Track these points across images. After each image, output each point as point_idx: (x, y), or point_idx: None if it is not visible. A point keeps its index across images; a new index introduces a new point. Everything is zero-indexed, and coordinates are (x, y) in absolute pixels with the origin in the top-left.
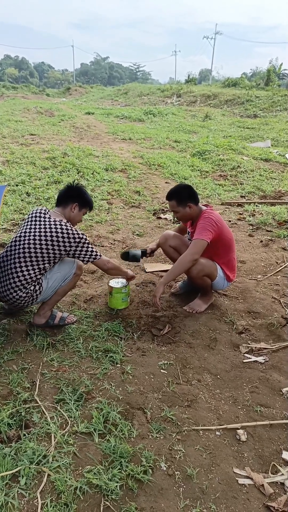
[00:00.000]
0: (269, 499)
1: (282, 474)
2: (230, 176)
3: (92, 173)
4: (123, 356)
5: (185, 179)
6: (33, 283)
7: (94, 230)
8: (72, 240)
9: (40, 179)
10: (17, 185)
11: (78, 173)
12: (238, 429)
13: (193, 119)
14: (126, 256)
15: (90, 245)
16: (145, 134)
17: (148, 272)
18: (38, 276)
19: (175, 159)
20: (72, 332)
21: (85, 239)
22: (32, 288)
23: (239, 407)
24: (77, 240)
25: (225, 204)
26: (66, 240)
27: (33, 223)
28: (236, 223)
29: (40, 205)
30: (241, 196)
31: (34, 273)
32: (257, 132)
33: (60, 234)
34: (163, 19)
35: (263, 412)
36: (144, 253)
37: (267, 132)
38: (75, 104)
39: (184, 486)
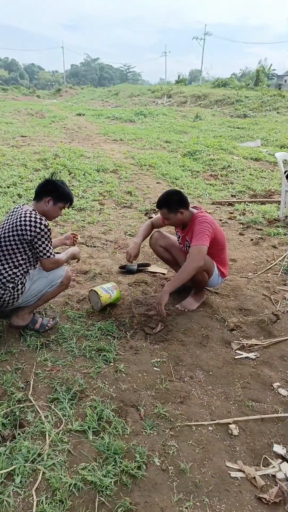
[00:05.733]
0: (261, 491)
1: (273, 466)
2: (221, 175)
3: (84, 174)
4: (116, 355)
5: (176, 179)
6: (12, 281)
7: (86, 231)
8: (33, 228)
9: (31, 180)
10: (8, 187)
11: (69, 174)
12: (230, 424)
13: (183, 120)
14: (124, 268)
15: (48, 240)
16: (136, 135)
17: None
18: (15, 271)
19: (166, 159)
20: (66, 332)
21: (46, 232)
22: (11, 286)
23: (231, 402)
24: (38, 230)
25: (216, 204)
26: (28, 226)
27: (7, 220)
28: (227, 222)
29: None
30: (232, 196)
31: (10, 268)
32: (247, 132)
33: (23, 222)
34: (152, 19)
35: (254, 407)
36: (141, 265)
37: (257, 132)
38: (66, 105)
39: (178, 481)
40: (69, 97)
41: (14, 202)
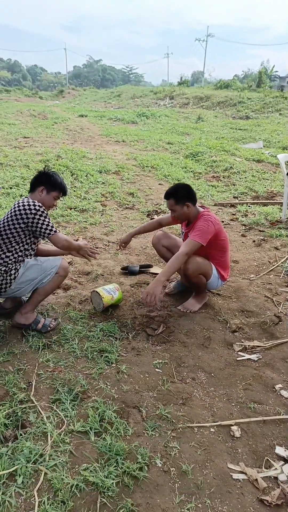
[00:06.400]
0: (263, 493)
1: (276, 468)
2: (223, 177)
3: (86, 175)
4: (118, 356)
5: (178, 180)
6: (5, 265)
7: (89, 232)
8: (28, 210)
9: None
10: (11, 188)
11: (71, 176)
12: (232, 425)
13: (186, 121)
14: (126, 269)
15: (47, 219)
16: (138, 136)
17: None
18: (8, 255)
19: (168, 160)
20: (68, 333)
21: (43, 212)
22: (3, 269)
23: (233, 404)
24: (34, 211)
25: (218, 205)
26: (23, 210)
27: (8, 211)
28: (229, 224)
29: None
30: (234, 197)
31: (3, 252)
32: (249, 133)
33: (19, 207)
34: (153, 20)
35: (256, 409)
36: (143, 266)
37: (259, 133)
38: (68, 106)
39: (179, 482)
40: (71, 98)
41: None
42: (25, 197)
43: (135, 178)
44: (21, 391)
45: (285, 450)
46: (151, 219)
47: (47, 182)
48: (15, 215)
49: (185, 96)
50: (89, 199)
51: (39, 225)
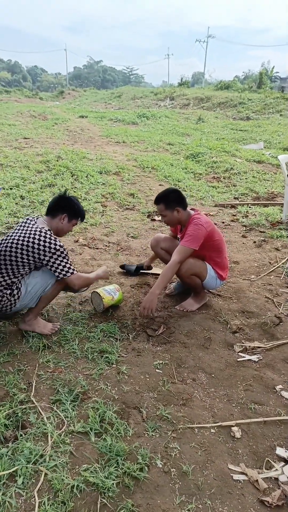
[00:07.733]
0: (264, 494)
1: (276, 469)
2: (224, 178)
3: (86, 176)
4: (118, 357)
5: (178, 181)
6: (10, 288)
7: (89, 233)
8: (47, 249)
9: (34, 182)
10: (11, 189)
11: (72, 176)
12: (232, 426)
13: (186, 122)
14: (123, 268)
15: (66, 259)
16: (138, 137)
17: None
18: (14, 280)
19: (168, 161)
20: (68, 334)
21: (62, 252)
22: (8, 292)
23: (234, 405)
24: (53, 250)
25: (218, 206)
26: (41, 247)
27: (19, 229)
28: (229, 225)
29: (35, 208)
30: (235, 198)
31: (9, 277)
32: (250, 134)
33: (37, 241)
34: (153, 21)
35: (257, 410)
36: (141, 267)
37: (259, 134)
38: (69, 107)
39: (180, 483)
40: (71, 99)
41: (16, 203)
42: (48, 229)
43: (135, 179)
44: (21, 392)
45: (285, 451)
46: (152, 220)
47: (70, 210)
48: (32, 247)
49: (185, 97)
50: (89, 200)
51: (55, 265)
